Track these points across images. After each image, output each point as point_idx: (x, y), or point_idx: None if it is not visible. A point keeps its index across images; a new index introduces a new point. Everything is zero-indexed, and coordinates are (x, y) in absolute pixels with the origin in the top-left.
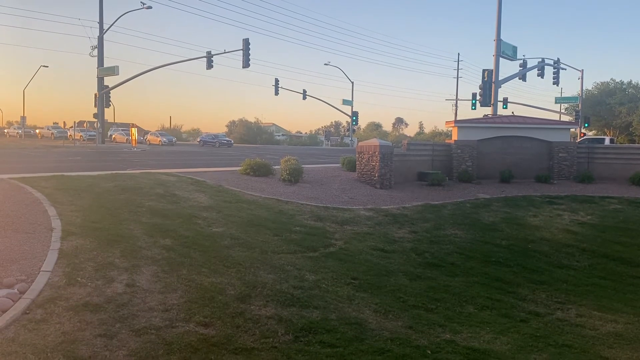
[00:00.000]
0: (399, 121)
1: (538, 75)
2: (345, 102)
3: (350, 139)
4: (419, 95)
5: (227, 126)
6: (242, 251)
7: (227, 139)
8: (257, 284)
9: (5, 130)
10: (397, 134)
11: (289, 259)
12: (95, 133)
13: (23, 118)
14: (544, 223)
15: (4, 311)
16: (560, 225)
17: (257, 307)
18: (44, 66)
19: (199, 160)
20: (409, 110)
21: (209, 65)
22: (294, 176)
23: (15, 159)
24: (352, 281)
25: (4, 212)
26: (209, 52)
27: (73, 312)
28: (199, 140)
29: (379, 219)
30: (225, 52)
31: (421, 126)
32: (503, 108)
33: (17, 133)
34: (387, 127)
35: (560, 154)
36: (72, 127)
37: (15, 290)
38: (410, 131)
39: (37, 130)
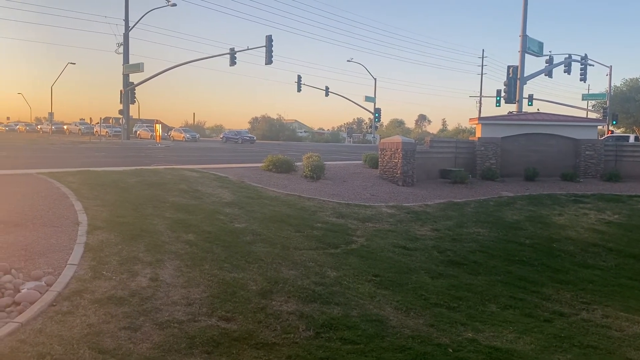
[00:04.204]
0: (422, 118)
1: (565, 72)
2: (367, 98)
3: (372, 135)
4: (442, 92)
5: (249, 123)
6: (264, 247)
7: (250, 135)
8: (279, 279)
9: (39, 127)
10: (420, 131)
11: (311, 255)
12: (120, 129)
13: (51, 114)
14: (569, 222)
15: (32, 303)
16: (586, 224)
17: (278, 303)
18: (71, 63)
19: (222, 157)
20: (432, 107)
21: (232, 62)
22: (316, 173)
23: (44, 154)
24: (374, 278)
25: (33, 207)
26: (232, 49)
27: (98, 305)
28: (221, 136)
29: (401, 216)
30: (248, 49)
31: (444, 123)
32: (528, 105)
33: (50, 128)
34: (410, 124)
35: (586, 152)
36: (98, 123)
37: (43, 283)
38: (433, 128)
39: (65, 126)
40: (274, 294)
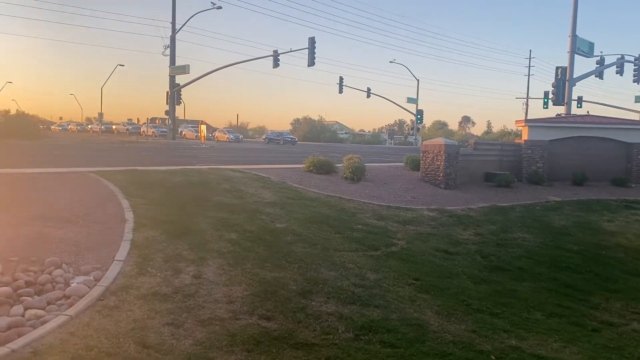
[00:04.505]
0: (466, 120)
1: (617, 73)
2: (410, 100)
3: (414, 137)
4: (487, 93)
5: (291, 124)
6: (304, 247)
7: (292, 136)
8: (319, 280)
9: (89, 127)
10: (464, 133)
11: (351, 257)
12: (166, 129)
13: (100, 114)
14: (619, 228)
15: (81, 297)
16: (638, 231)
17: (318, 303)
18: (120, 65)
19: (264, 157)
20: (477, 108)
21: (275, 63)
22: (357, 174)
23: (93, 152)
24: (414, 282)
25: (83, 204)
26: (275, 51)
27: (143, 301)
28: (264, 137)
29: (443, 219)
30: (291, 51)
31: (489, 125)
32: (577, 107)
33: (100, 128)
34: (453, 125)
35: (639, 156)
36: (145, 123)
37: (91, 278)
38: (477, 130)
39: (114, 126)
40: (314, 295)
